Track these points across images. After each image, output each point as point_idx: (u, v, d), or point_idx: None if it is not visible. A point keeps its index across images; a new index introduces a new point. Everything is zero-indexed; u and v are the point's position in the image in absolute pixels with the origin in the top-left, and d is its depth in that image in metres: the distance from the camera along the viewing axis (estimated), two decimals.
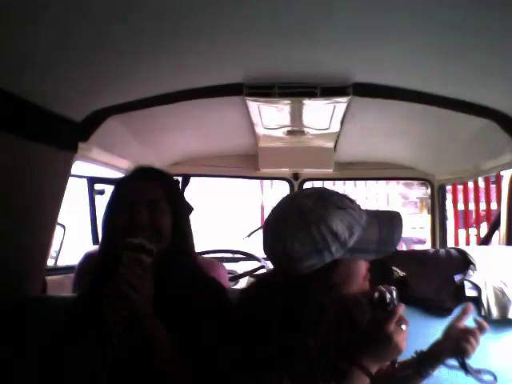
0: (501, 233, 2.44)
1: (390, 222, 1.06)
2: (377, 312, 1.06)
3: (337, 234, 0.97)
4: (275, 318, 1.01)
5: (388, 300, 1.05)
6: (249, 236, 3.55)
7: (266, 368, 0.99)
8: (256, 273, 2.76)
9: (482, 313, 1.54)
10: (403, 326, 1.04)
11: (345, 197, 1.05)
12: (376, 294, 1.07)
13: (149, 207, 1.15)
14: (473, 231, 5.90)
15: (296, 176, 3.07)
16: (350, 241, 0.99)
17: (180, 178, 2.94)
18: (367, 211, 1.07)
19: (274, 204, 1.09)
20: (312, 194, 1.03)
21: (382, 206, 8.25)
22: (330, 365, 1.06)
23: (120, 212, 1.15)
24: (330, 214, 0.98)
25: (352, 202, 1.04)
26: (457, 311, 1.55)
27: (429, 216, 3.17)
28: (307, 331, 1.03)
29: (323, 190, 1.06)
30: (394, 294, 1.06)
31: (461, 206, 5.94)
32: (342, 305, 1.11)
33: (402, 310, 1.05)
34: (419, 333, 1.20)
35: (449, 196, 5.03)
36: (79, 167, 1.82)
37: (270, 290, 1.05)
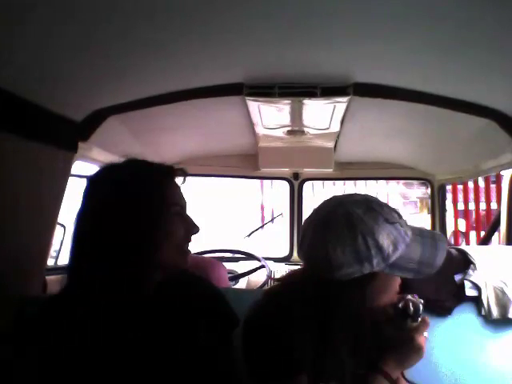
0: (501, 233, 2.44)
1: (433, 243, 1.05)
2: (403, 321, 1.07)
3: (381, 247, 0.97)
4: (307, 325, 1.02)
5: (420, 311, 1.07)
6: (249, 236, 3.55)
7: (296, 374, 1.00)
8: (256, 272, 2.76)
9: (483, 312, 1.54)
10: (426, 334, 1.06)
11: (394, 210, 1.04)
12: (400, 304, 1.08)
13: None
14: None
15: (296, 176, 3.07)
16: (393, 256, 0.99)
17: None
18: (412, 228, 1.06)
19: (305, 205, 1.09)
20: (361, 202, 1.02)
21: None
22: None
23: (175, 222, 1.03)
24: (379, 226, 0.98)
25: (400, 216, 1.04)
26: (457, 311, 1.56)
27: (429, 216, 3.17)
28: (340, 338, 1.03)
29: (373, 200, 1.05)
30: (421, 307, 1.08)
31: (461, 206, 5.94)
32: (369, 313, 1.10)
33: (426, 324, 1.07)
34: None
35: (449, 196, 5.03)
36: (79, 167, 1.82)
37: (302, 294, 1.04)
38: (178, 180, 1.11)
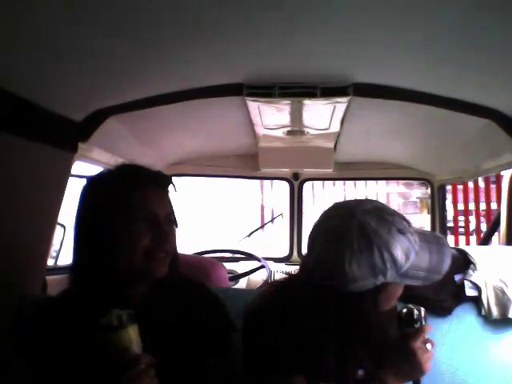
0: (501, 233, 2.44)
1: (439, 248, 1.06)
2: (403, 328, 1.08)
3: (396, 260, 0.98)
4: (306, 326, 1.03)
5: (416, 317, 1.07)
6: (249, 236, 3.55)
7: (292, 373, 1.01)
8: (256, 272, 2.77)
9: (483, 312, 1.54)
10: (428, 346, 1.06)
11: (403, 218, 1.04)
12: (404, 310, 1.09)
13: (167, 224, 1.04)
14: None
15: (296, 176, 3.07)
16: (405, 266, 1.00)
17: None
18: (418, 233, 1.06)
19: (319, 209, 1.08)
20: (373, 212, 1.01)
21: None
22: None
23: (136, 228, 1.00)
24: (393, 238, 0.98)
25: (409, 223, 1.04)
26: (457, 311, 1.56)
27: (429, 216, 3.17)
28: (346, 344, 1.04)
29: (383, 208, 1.04)
30: (423, 312, 1.08)
31: (461, 206, 5.94)
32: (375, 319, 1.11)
33: (429, 329, 1.07)
34: None
35: (449, 196, 5.03)
36: (79, 167, 1.82)
37: (313, 302, 1.04)
38: (171, 187, 1.10)
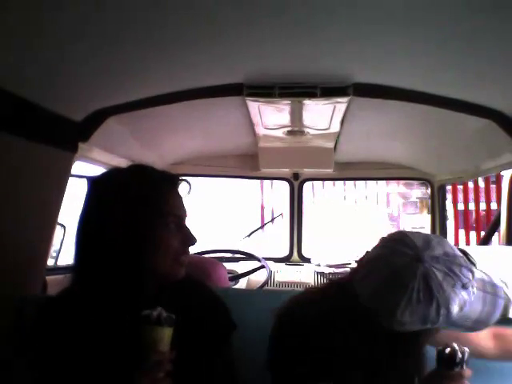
0: (501, 233, 2.44)
1: (494, 299, 1.01)
2: (442, 368, 1.03)
3: (450, 313, 0.95)
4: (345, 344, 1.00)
5: (458, 360, 1.02)
6: (249, 236, 3.55)
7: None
8: (256, 272, 2.77)
9: None
10: None
11: (470, 270, 0.98)
12: (447, 350, 1.03)
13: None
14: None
15: (296, 176, 3.07)
16: (455, 317, 0.96)
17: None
18: (476, 279, 1.00)
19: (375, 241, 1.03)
20: (442, 261, 0.95)
21: (382, 206, 8.27)
22: None
23: (168, 232, 1.02)
24: (455, 294, 0.94)
25: (473, 274, 0.98)
26: None
27: (429, 216, 3.17)
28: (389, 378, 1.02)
29: (453, 256, 0.97)
30: (466, 355, 1.03)
31: (461, 206, 5.94)
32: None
33: (469, 375, 1.02)
34: None
35: (449, 196, 5.03)
36: (79, 167, 1.82)
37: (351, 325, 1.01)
38: (183, 190, 1.11)
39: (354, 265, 1.11)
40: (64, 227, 2.47)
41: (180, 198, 1.08)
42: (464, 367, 1.02)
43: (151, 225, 1.01)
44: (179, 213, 1.06)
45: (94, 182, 1.09)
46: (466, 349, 1.03)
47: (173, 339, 0.98)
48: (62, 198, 1.68)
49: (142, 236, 1.01)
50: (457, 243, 5.63)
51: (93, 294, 1.04)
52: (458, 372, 1.02)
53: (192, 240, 1.06)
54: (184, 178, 1.12)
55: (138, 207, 1.01)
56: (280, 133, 2.23)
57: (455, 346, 1.03)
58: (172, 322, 0.96)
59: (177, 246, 1.03)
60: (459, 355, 1.02)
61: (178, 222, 1.05)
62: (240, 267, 2.87)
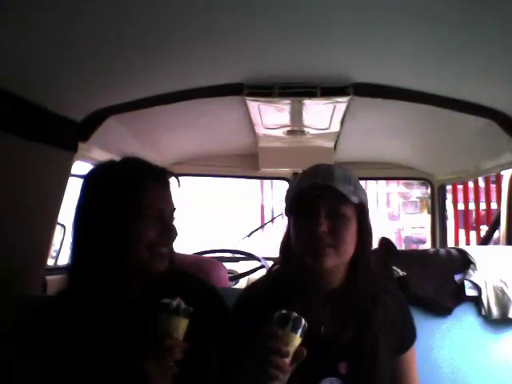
0: (501, 233, 2.44)
1: None
2: (274, 324, 0.97)
3: None
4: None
5: (291, 321, 0.95)
6: (249, 236, 3.55)
7: None
8: (256, 272, 2.76)
9: (483, 312, 1.54)
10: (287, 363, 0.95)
11: None
12: (283, 311, 0.97)
13: (171, 220, 1.08)
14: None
15: (296, 176, 3.07)
16: None
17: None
18: None
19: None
20: None
21: (382, 206, 8.28)
22: None
23: (144, 224, 1.03)
24: None
25: None
26: (457, 311, 1.56)
27: (429, 216, 3.17)
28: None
29: None
30: (302, 324, 0.96)
31: (461, 206, 5.94)
32: None
33: (300, 347, 0.97)
34: (419, 332, 1.20)
35: (449, 196, 5.03)
36: (79, 167, 1.82)
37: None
38: (174, 184, 1.11)
39: None
40: (64, 227, 2.48)
41: (164, 191, 1.08)
42: (297, 334, 0.95)
43: (128, 215, 1.02)
44: (160, 206, 1.05)
45: (85, 177, 1.11)
46: (304, 321, 0.96)
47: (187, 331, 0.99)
48: (62, 198, 1.68)
49: (120, 226, 1.02)
50: (457, 243, 5.63)
51: (85, 289, 1.05)
52: (287, 333, 0.94)
53: (171, 232, 1.06)
54: (174, 173, 1.13)
55: (119, 198, 1.03)
56: (280, 132, 2.23)
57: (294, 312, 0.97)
58: (189, 314, 0.98)
59: (153, 237, 1.03)
60: (294, 316, 0.95)
61: (158, 215, 1.05)
62: (240, 267, 2.87)
